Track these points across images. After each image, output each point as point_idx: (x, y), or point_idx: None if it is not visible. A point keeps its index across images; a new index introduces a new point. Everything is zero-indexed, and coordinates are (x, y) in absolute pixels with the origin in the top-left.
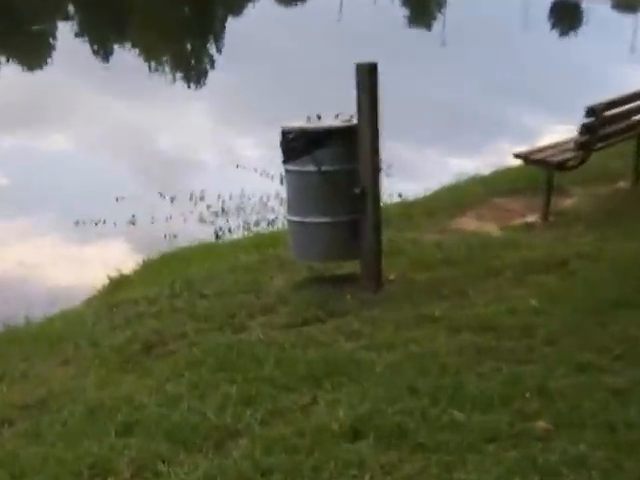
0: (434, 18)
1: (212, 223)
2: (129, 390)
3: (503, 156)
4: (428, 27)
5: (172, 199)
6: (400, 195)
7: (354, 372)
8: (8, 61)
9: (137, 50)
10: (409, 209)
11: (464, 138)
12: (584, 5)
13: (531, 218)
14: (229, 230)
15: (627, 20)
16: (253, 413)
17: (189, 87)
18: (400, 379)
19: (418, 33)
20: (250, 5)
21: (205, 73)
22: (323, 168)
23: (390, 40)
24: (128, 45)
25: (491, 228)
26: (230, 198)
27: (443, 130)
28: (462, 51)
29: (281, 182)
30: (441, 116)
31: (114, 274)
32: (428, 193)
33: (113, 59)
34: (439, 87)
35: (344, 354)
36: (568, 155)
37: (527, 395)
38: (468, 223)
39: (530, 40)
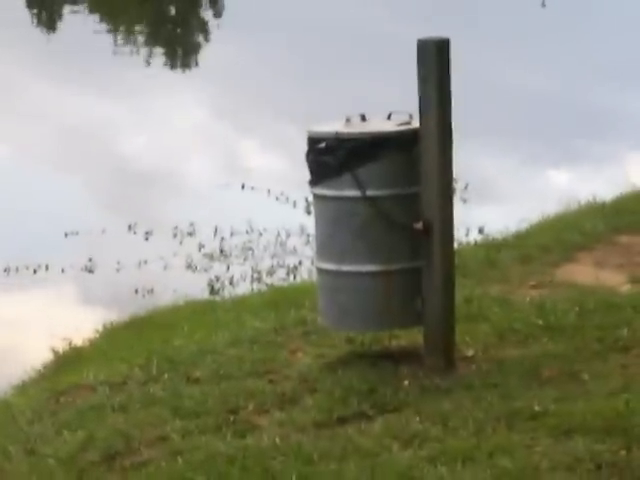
0: None
1: (206, 271)
2: None
3: (633, 172)
4: None
5: (147, 235)
6: (481, 231)
7: None
8: None
9: (97, 14)
10: (495, 252)
11: (573, 145)
12: None
13: None
14: (230, 282)
15: None
16: None
17: (172, 67)
18: None
19: None
20: None
21: (196, 46)
22: (369, 193)
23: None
24: (83, 6)
25: (616, 281)
26: (232, 234)
27: (542, 133)
28: (569, 17)
29: (307, 211)
30: (538, 112)
31: (60, 345)
32: (522, 227)
33: (62, 26)
34: (535, 69)
35: (399, 469)
36: None
37: None
38: (582, 273)
39: None
